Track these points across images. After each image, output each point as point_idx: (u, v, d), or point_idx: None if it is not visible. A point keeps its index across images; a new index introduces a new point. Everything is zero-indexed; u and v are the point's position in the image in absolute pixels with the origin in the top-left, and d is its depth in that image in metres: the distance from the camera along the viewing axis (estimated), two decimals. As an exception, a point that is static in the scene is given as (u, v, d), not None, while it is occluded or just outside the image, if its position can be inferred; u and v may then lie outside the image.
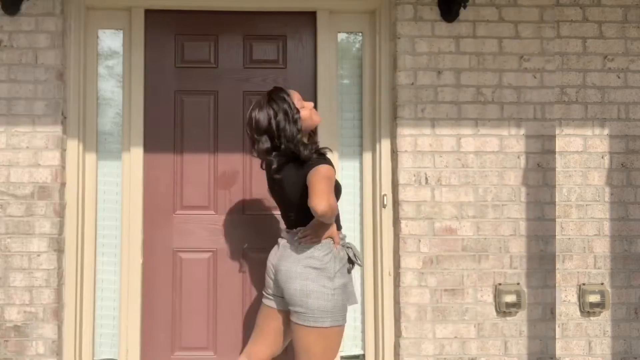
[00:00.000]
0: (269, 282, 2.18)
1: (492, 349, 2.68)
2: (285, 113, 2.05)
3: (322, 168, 2.01)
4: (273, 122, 2.04)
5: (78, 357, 2.74)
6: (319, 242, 2.06)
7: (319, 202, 1.93)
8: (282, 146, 2.05)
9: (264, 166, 2.19)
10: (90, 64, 2.83)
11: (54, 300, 2.61)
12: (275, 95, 2.09)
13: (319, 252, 2.05)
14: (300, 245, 2.06)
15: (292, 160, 2.07)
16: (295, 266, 2.04)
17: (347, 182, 2.92)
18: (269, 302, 2.19)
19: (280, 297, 2.12)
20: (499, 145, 2.73)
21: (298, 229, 2.10)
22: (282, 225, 2.26)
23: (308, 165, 2.02)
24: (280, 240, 2.19)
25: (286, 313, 2.11)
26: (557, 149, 2.71)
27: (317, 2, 2.86)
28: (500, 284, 2.68)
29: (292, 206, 2.13)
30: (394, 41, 2.76)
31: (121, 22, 2.86)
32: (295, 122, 2.05)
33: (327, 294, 2.01)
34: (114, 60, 2.91)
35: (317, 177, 1.99)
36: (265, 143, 2.07)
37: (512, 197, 2.72)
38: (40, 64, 2.66)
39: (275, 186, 2.16)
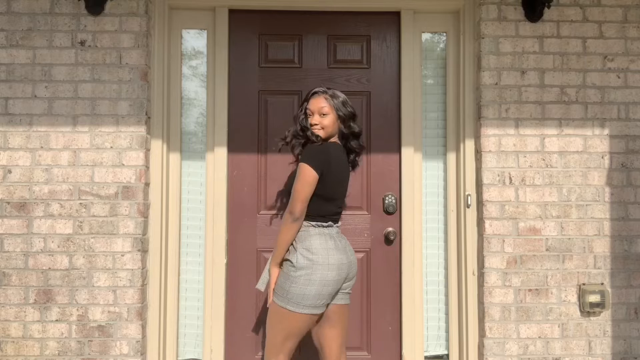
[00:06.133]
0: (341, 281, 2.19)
1: (576, 349, 2.68)
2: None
3: None
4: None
5: (162, 357, 2.74)
6: None
7: None
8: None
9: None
10: (174, 64, 2.82)
11: (138, 300, 2.61)
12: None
13: None
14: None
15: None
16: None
17: (430, 182, 2.93)
18: (342, 301, 2.26)
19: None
20: (583, 145, 2.73)
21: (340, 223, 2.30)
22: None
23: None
24: (336, 236, 2.22)
25: None
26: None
27: (401, 2, 2.85)
28: (584, 284, 2.68)
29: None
30: (478, 41, 2.76)
31: (205, 22, 2.85)
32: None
33: None
34: (197, 60, 2.89)
35: None
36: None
37: (596, 197, 2.72)
38: (125, 64, 2.66)
39: (345, 177, 2.27)
